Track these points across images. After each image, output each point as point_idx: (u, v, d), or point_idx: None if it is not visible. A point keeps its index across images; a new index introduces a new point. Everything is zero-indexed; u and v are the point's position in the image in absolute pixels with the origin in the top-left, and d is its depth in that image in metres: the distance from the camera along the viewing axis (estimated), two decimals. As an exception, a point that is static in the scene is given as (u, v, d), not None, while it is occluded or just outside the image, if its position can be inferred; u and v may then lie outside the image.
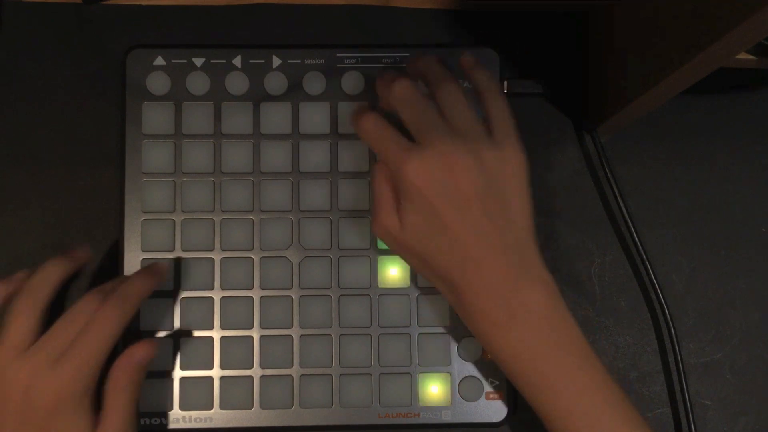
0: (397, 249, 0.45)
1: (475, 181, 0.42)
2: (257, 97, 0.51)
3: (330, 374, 0.49)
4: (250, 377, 0.49)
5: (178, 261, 0.50)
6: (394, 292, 0.50)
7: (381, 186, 0.45)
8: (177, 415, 0.49)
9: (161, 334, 0.49)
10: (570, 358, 0.42)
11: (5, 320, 0.44)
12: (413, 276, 0.50)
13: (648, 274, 0.52)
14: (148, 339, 0.46)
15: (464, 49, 0.51)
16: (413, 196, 0.42)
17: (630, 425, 0.42)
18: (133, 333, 0.49)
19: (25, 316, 0.44)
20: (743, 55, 0.45)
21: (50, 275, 0.46)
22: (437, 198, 0.42)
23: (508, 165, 0.44)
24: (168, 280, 0.49)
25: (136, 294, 0.45)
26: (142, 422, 0.48)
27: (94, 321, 0.43)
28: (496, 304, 0.42)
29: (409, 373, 0.50)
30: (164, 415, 0.49)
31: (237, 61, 0.51)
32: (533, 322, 0.42)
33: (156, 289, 0.47)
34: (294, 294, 0.50)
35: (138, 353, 0.44)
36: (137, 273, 0.47)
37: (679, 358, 0.51)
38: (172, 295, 0.49)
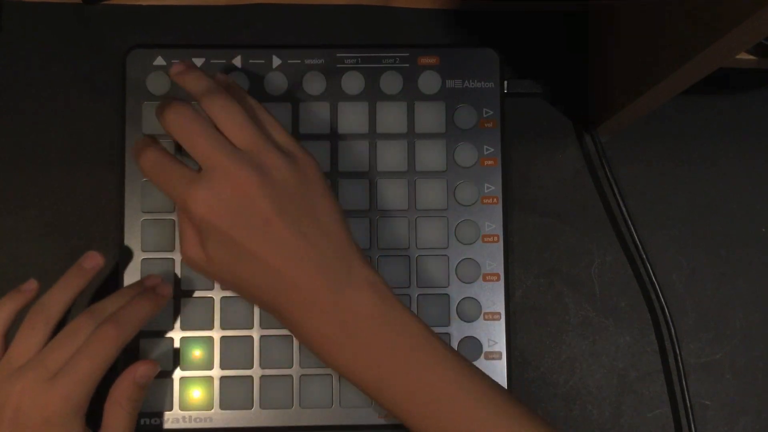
0: (214, 280, 0.43)
1: (270, 197, 0.39)
2: (257, 97, 0.51)
3: (330, 374, 0.49)
4: (250, 377, 0.49)
5: (178, 261, 0.50)
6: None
7: (182, 223, 0.42)
8: (177, 415, 0.49)
9: (161, 334, 0.49)
10: (414, 354, 0.40)
11: (16, 333, 0.44)
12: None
13: (648, 274, 0.52)
14: (149, 360, 0.45)
15: (462, 49, 0.51)
16: (208, 230, 0.39)
17: (501, 414, 0.39)
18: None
19: (35, 332, 0.43)
20: (743, 55, 0.45)
21: (65, 293, 0.45)
22: (233, 226, 0.39)
23: (302, 171, 0.41)
24: (168, 280, 0.49)
25: (137, 319, 0.44)
26: (142, 422, 0.48)
27: (91, 341, 0.42)
28: (326, 320, 0.40)
29: (409, 373, 0.50)
30: (164, 415, 0.49)
31: (237, 61, 0.51)
32: (367, 326, 0.40)
33: (158, 313, 0.46)
34: (294, 294, 0.50)
35: (138, 373, 0.44)
36: (141, 295, 0.45)
37: (679, 358, 0.51)
38: (172, 295, 0.49)
